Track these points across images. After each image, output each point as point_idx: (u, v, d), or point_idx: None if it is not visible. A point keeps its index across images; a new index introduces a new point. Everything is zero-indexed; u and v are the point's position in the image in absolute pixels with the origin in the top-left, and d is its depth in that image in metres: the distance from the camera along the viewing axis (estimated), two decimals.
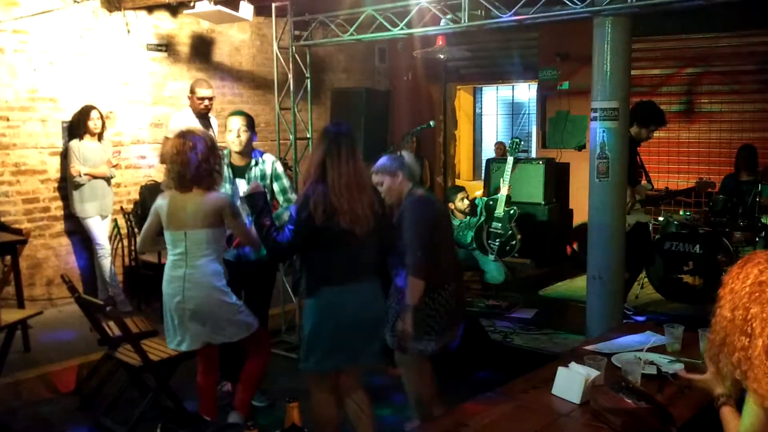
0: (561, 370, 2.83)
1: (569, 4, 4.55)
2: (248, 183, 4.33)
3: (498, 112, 11.98)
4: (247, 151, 4.40)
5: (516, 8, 4.73)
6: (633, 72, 4.75)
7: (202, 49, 7.60)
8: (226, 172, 4.29)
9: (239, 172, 4.40)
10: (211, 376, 3.94)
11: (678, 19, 6.53)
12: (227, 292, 3.71)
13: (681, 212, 6.67)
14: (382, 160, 3.83)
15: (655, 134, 5.74)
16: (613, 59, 4.46)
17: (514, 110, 11.92)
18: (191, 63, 7.48)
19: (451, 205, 6.86)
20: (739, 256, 6.10)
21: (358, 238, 3.25)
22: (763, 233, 6.20)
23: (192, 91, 5.93)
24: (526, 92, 10.79)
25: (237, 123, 4.32)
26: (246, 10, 5.91)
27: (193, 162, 3.54)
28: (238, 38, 7.98)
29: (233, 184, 4.36)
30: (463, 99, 10.87)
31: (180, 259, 3.63)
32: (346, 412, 3.57)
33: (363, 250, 3.32)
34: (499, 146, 10.83)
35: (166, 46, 7.21)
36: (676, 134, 8.06)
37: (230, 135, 4.32)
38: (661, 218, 6.65)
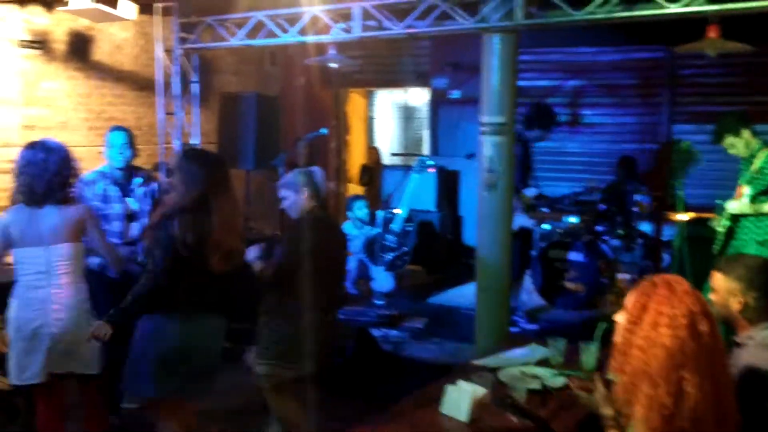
0: (449, 388, 2.83)
1: (459, 19, 4.60)
2: (136, 201, 4.32)
3: (392, 115, 12.08)
4: (129, 168, 4.34)
5: (408, 20, 4.73)
6: (520, 83, 4.86)
7: (80, 47, 7.17)
8: (114, 191, 4.24)
9: (125, 190, 4.32)
10: (55, 419, 3.56)
11: (563, 32, 6.74)
12: (93, 318, 3.47)
13: (570, 218, 6.83)
14: (291, 176, 3.80)
15: (541, 143, 5.91)
16: (501, 75, 4.55)
17: (408, 114, 12.04)
18: (68, 62, 7.05)
19: (350, 215, 6.83)
20: (618, 263, 6.47)
21: (216, 275, 3.16)
22: (640, 240, 6.52)
23: None
24: (419, 97, 10.89)
25: (119, 139, 4.25)
26: (127, 8, 5.62)
27: (45, 174, 3.31)
28: (119, 36, 7.59)
29: (122, 203, 4.27)
30: (356, 102, 10.84)
31: (40, 279, 3.34)
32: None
33: (221, 284, 3.25)
34: (372, 151, 10.94)
35: (40, 42, 6.77)
36: (561, 144, 8.32)
37: (112, 151, 4.23)
38: (545, 226, 6.84)
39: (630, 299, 2.05)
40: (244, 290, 3.47)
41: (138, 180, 4.35)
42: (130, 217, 4.30)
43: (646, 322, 1.96)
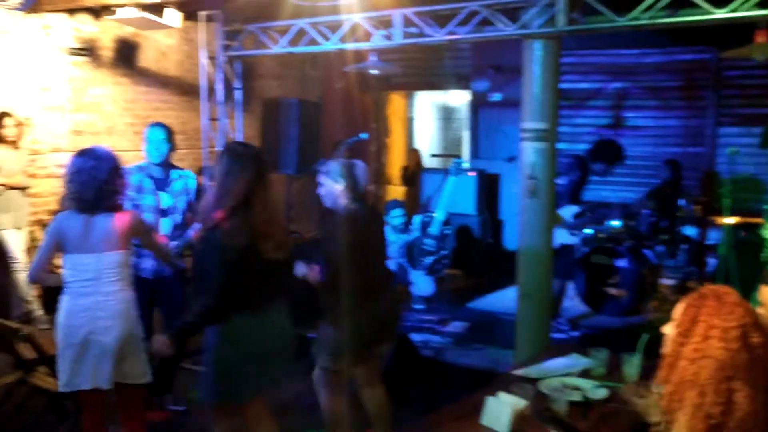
0: (489, 399, 2.82)
1: (500, 25, 4.58)
2: (171, 196, 4.34)
3: (431, 116, 12.06)
4: (167, 164, 4.38)
5: (449, 27, 4.73)
6: (561, 85, 4.82)
7: (126, 54, 7.33)
8: (149, 183, 4.28)
9: (160, 184, 4.34)
10: (99, 424, 3.56)
11: (606, 34, 6.66)
12: (140, 326, 3.51)
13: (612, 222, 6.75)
14: (331, 164, 3.80)
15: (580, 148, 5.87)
16: (543, 81, 4.52)
17: (447, 115, 12.02)
18: (115, 68, 7.21)
19: (387, 221, 6.85)
20: (662, 268, 6.37)
21: (273, 265, 3.15)
22: (685, 246, 6.42)
23: None
24: (459, 98, 10.86)
25: (158, 134, 4.29)
26: (172, 17, 5.73)
27: (95, 182, 3.31)
28: (165, 43, 7.74)
29: (155, 195, 4.31)
30: (396, 103, 10.86)
31: (88, 286, 3.35)
32: None
33: (279, 275, 3.23)
34: (413, 154, 10.89)
35: (88, 50, 6.93)
36: None
37: (149, 146, 4.28)
38: (587, 230, 6.76)
39: (678, 311, 2.03)
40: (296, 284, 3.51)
41: (174, 175, 4.39)
42: (163, 212, 4.33)
43: (697, 334, 1.94)
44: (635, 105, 8.23)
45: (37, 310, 6.12)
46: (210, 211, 3.09)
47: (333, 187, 3.71)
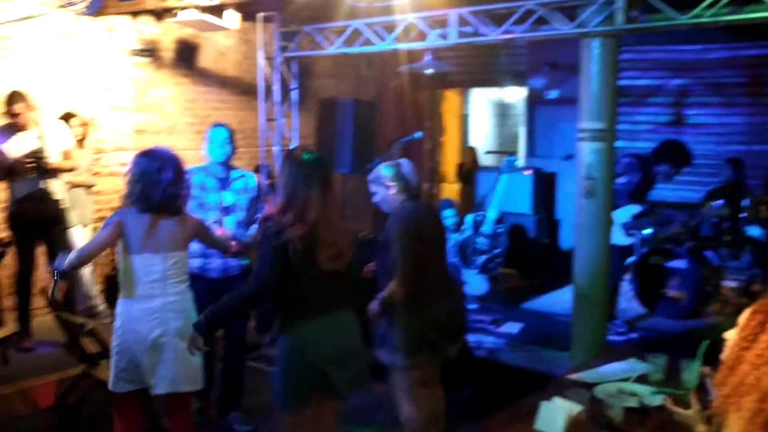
0: (543, 404, 2.80)
1: (557, 24, 4.53)
2: (233, 194, 4.43)
3: (487, 112, 11.96)
4: (229, 164, 4.47)
5: (505, 26, 4.69)
6: (620, 82, 4.72)
7: (186, 55, 7.50)
8: (212, 183, 4.38)
9: (222, 183, 4.44)
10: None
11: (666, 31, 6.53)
12: None
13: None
14: (377, 169, 3.76)
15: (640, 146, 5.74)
16: (601, 80, 4.44)
17: (503, 111, 11.89)
18: (175, 69, 7.39)
19: None
20: (724, 270, 6.20)
21: (337, 272, 3.17)
22: (749, 247, 6.23)
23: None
24: (515, 93, 10.74)
25: (220, 134, 4.38)
26: (231, 18, 5.84)
27: (161, 184, 3.31)
28: (223, 44, 7.89)
29: (218, 194, 4.41)
30: (451, 100, 10.81)
31: (154, 288, 3.33)
32: None
33: (339, 283, 3.23)
34: (469, 151, 10.79)
35: (150, 51, 7.11)
36: None
37: (212, 146, 4.37)
38: (646, 231, 6.63)
39: (745, 316, 1.99)
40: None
41: (235, 174, 4.47)
42: (226, 209, 4.41)
43: (763, 340, 1.90)
44: (697, 102, 8.01)
45: (101, 305, 6.32)
46: (273, 215, 3.10)
47: (386, 192, 3.70)
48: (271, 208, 3.15)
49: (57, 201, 5.62)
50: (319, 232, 3.08)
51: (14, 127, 5.40)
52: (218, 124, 4.50)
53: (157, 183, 3.30)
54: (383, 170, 3.72)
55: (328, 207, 3.15)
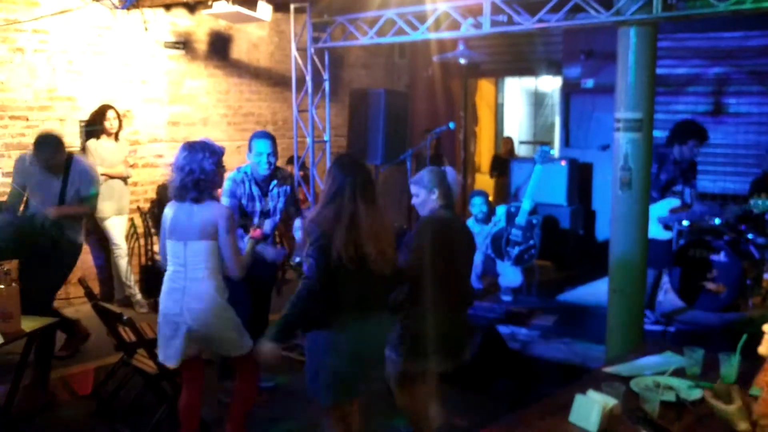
0: (578, 397, 2.76)
1: (593, 12, 4.44)
2: (271, 200, 4.55)
3: (521, 101, 11.82)
4: (272, 172, 4.52)
5: (540, 15, 4.62)
6: (658, 71, 4.61)
7: (219, 47, 7.55)
8: (256, 191, 4.48)
9: (264, 190, 4.54)
10: (193, 401, 3.79)
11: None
12: (228, 308, 3.64)
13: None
14: (423, 173, 3.77)
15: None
16: (638, 69, 4.34)
17: (538, 100, 11.76)
18: (209, 60, 7.44)
19: (471, 211, 6.81)
20: (765, 263, 6.06)
21: (377, 277, 3.20)
22: None
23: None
24: (550, 82, 10.61)
25: (266, 147, 4.39)
26: (264, 10, 5.86)
27: (202, 174, 3.49)
28: (255, 35, 7.92)
29: (260, 201, 4.50)
30: (484, 89, 10.72)
31: (179, 272, 3.55)
32: None
33: (381, 284, 3.29)
34: (506, 141, 10.67)
35: (184, 43, 7.17)
36: None
37: (258, 158, 4.40)
38: (685, 222, 6.51)
39: None
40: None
41: (274, 182, 4.55)
42: (265, 213, 4.52)
43: None
44: (737, 91, 7.82)
45: (138, 294, 6.41)
46: (320, 221, 3.16)
47: (427, 196, 3.71)
48: (319, 216, 3.18)
49: None
50: (367, 242, 3.12)
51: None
52: (262, 135, 4.48)
53: (199, 173, 3.48)
54: (429, 174, 3.74)
55: (374, 219, 3.18)
